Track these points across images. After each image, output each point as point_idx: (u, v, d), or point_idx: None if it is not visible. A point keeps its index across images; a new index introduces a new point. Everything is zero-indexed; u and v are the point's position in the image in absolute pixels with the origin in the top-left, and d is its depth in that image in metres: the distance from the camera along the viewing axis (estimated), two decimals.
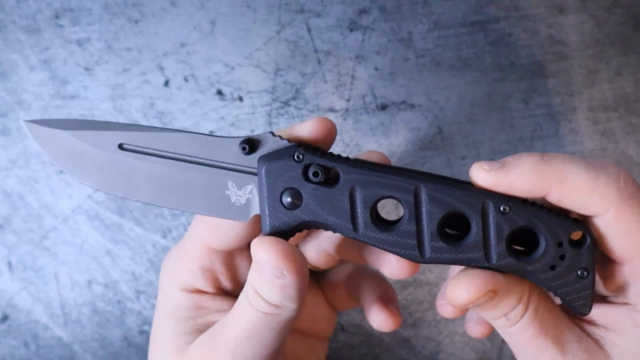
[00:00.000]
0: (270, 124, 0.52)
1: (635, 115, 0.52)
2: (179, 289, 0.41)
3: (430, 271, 0.53)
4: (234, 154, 0.37)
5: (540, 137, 0.52)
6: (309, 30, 0.52)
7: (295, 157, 0.35)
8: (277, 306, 0.36)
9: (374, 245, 0.36)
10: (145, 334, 0.53)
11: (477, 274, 0.35)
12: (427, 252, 0.35)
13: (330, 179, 0.36)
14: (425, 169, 0.52)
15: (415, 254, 0.36)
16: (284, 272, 0.35)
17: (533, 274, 0.36)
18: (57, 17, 0.52)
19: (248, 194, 0.37)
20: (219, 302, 0.40)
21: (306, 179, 0.35)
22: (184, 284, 0.41)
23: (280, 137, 0.36)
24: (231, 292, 0.42)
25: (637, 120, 0.52)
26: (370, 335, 0.54)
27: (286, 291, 0.35)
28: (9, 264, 0.53)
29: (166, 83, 0.52)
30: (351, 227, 0.36)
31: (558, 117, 0.52)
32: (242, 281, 0.42)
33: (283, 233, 0.36)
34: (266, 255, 0.35)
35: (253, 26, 0.52)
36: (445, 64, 0.52)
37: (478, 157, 0.52)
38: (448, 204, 0.35)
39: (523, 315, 0.35)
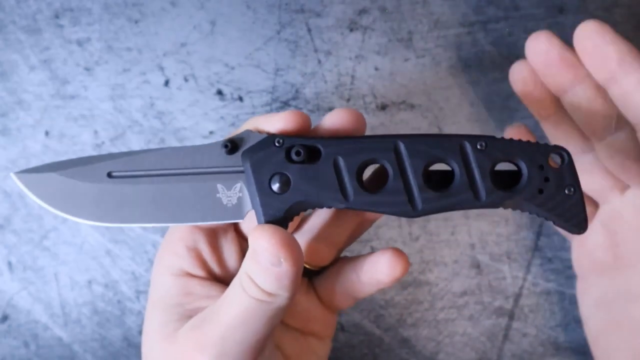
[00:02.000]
0: None
1: None
2: (167, 274, 0.41)
3: (430, 271, 0.53)
4: (218, 158, 0.38)
5: (540, 137, 0.52)
6: (309, 30, 0.52)
7: (276, 143, 0.37)
8: (270, 294, 0.36)
9: (366, 209, 0.37)
10: None
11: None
12: (419, 205, 0.37)
13: (312, 157, 0.37)
14: None
15: (408, 209, 0.37)
16: (282, 260, 0.35)
17: (524, 203, 0.37)
18: (57, 17, 0.52)
19: (238, 193, 0.38)
20: (207, 288, 0.41)
21: (290, 161, 0.37)
22: (171, 268, 0.41)
23: (259, 131, 0.38)
24: (219, 278, 0.42)
25: None
26: (370, 335, 0.54)
27: (281, 280, 0.35)
28: (9, 264, 0.53)
29: (166, 83, 0.52)
30: (341, 196, 0.37)
31: None
32: (228, 265, 0.42)
33: (278, 221, 0.37)
34: (264, 242, 0.35)
35: (253, 26, 0.52)
36: (445, 64, 0.52)
37: None
38: (428, 153, 0.36)
39: None
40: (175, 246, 0.41)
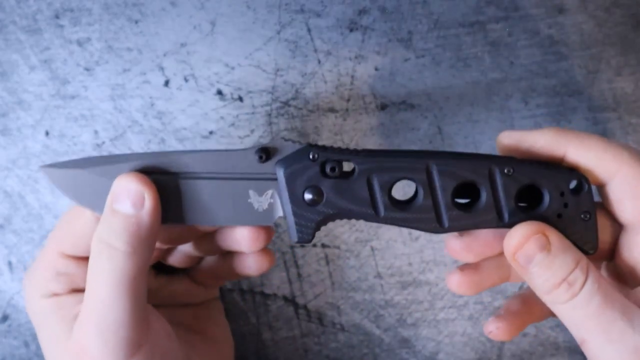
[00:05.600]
0: (270, 124, 0.52)
1: (635, 115, 0.52)
2: (39, 297, 0.41)
3: (430, 271, 0.53)
4: (250, 164, 0.39)
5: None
6: (309, 30, 0.52)
7: (311, 157, 0.38)
8: (130, 246, 0.37)
9: (395, 224, 0.39)
10: None
11: (531, 221, 0.38)
12: (446, 223, 0.38)
13: (346, 172, 0.39)
14: None
15: (436, 226, 0.39)
16: (145, 195, 0.37)
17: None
18: (57, 17, 0.52)
19: (269, 199, 0.39)
20: (80, 297, 0.40)
21: (324, 175, 0.38)
22: (42, 291, 0.41)
23: (292, 140, 0.39)
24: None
25: (636, 120, 0.52)
26: (370, 335, 0.54)
27: (140, 228, 0.37)
28: (9, 264, 0.53)
29: (166, 83, 0.52)
30: (372, 212, 0.38)
31: (558, 117, 0.52)
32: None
33: (309, 229, 0.38)
34: (126, 182, 0.37)
35: (253, 26, 0.52)
36: (445, 64, 0.52)
37: None
38: (458, 176, 0.38)
39: (585, 281, 0.36)
40: (46, 272, 0.41)
